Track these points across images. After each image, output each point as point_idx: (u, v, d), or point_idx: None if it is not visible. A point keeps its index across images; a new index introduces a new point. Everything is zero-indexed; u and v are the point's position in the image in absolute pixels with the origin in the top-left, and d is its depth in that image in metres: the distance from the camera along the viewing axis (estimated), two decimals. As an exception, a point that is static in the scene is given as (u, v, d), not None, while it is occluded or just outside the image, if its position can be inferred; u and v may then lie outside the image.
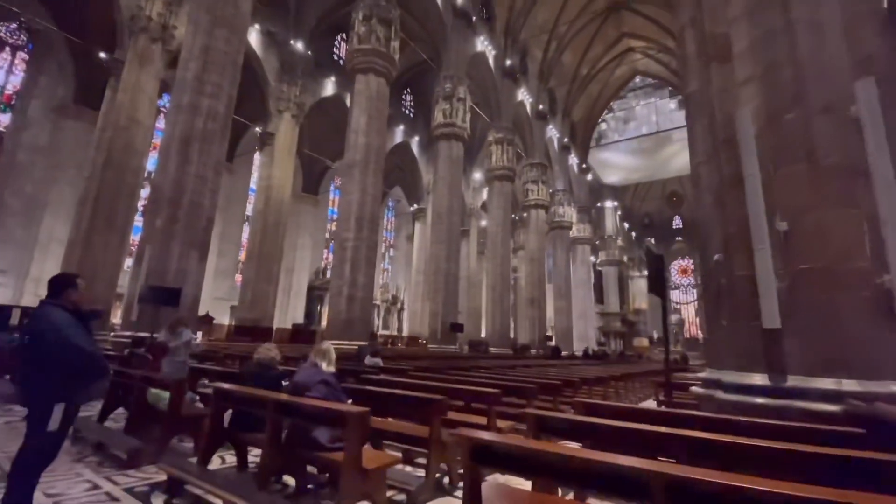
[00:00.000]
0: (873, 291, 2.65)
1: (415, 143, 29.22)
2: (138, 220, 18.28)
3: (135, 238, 19.21)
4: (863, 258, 2.70)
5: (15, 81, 17.69)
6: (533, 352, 25.29)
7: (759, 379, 2.99)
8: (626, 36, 36.26)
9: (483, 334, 32.00)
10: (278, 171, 18.62)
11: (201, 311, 11.38)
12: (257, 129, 19.57)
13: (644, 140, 45.52)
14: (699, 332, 49.94)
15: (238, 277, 24.27)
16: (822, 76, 3.00)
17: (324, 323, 27.05)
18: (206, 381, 4.56)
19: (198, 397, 4.03)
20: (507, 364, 9.18)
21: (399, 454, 3.03)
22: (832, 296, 2.72)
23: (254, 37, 18.52)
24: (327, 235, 30.71)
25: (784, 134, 3.07)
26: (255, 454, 3.09)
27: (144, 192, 19.57)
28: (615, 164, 47.43)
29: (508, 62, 26.96)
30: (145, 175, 17.73)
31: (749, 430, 2.02)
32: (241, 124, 18.76)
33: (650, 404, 7.54)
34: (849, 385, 2.56)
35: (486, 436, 1.61)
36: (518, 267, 31.08)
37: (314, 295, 26.85)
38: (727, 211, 3.33)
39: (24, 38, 17.79)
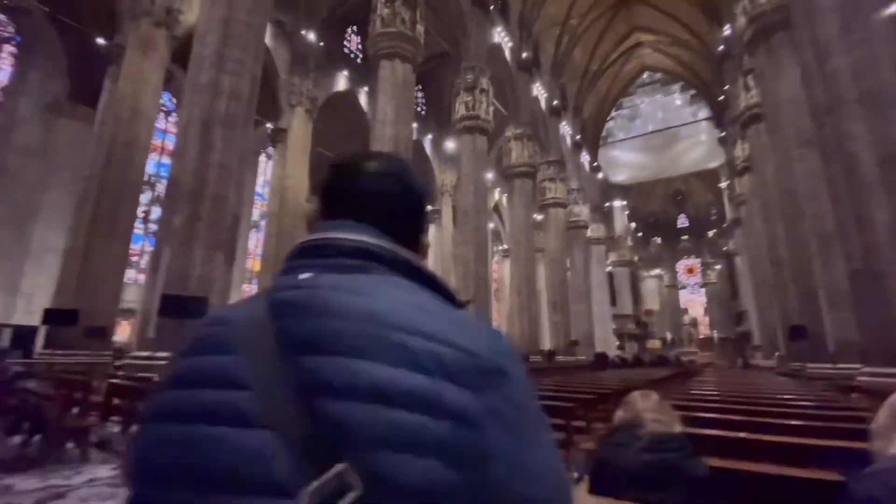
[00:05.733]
0: None
1: (427, 141, 27.88)
2: (138, 228, 16.75)
3: (134, 247, 17.62)
4: None
5: (2, 77, 16.08)
6: (560, 358, 23.83)
7: None
8: (636, 30, 35.49)
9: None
10: (293, 171, 17.14)
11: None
12: (268, 125, 18.08)
13: (652, 137, 44.88)
14: (713, 331, 48.58)
15: (246, 288, 22.62)
16: None
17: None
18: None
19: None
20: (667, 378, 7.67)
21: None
22: None
23: (262, 26, 17.12)
24: (336, 241, 29.16)
25: None
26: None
27: (144, 198, 18.05)
28: (622, 162, 46.72)
29: (524, 55, 25.80)
30: (145, 178, 16.17)
31: None
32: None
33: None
34: None
35: None
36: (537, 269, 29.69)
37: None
38: None
39: (12, 30, 16.20)
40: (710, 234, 50.99)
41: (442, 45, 21.92)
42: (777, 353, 16.06)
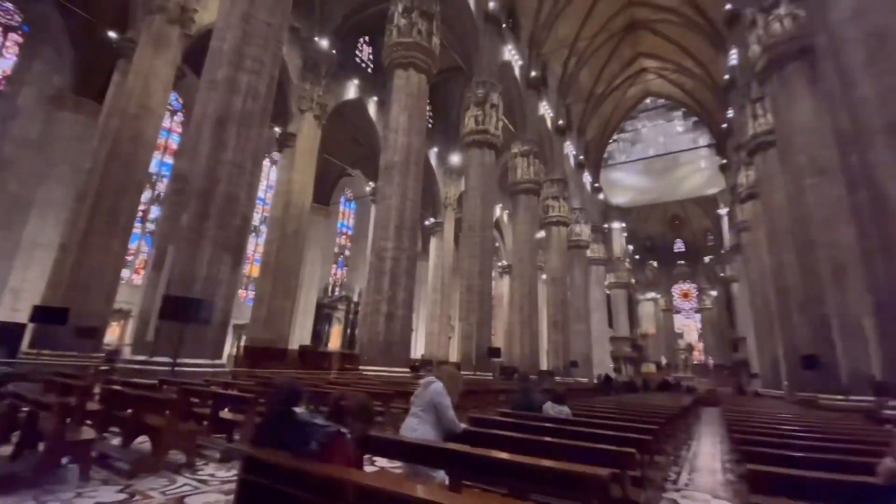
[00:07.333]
0: None
1: (433, 154, 27.76)
2: (136, 227, 16.20)
3: (132, 246, 17.10)
4: None
5: (5, 66, 15.73)
6: (558, 379, 23.36)
7: None
8: (641, 56, 36.08)
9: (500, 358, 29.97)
10: (299, 175, 16.82)
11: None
12: (276, 129, 17.81)
13: (652, 162, 45.34)
14: (708, 357, 48.39)
15: (242, 293, 22.04)
16: None
17: (332, 344, 24.79)
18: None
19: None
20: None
21: None
22: None
23: (276, 30, 17.02)
24: (336, 250, 28.72)
25: None
26: None
27: (144, 197, 17.53)
28: (623, 184, 47.02)
29: (533, 73, 25.98)
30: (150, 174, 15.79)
31: None
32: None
33: None
34: None
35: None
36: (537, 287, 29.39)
37: (323, 313, 24.68)
38: None
39: (19, 19, 15.93)
40: (707, 259, 51.19)
41: (451, 61, 21.96)
42: (785, 383, 15.76)
